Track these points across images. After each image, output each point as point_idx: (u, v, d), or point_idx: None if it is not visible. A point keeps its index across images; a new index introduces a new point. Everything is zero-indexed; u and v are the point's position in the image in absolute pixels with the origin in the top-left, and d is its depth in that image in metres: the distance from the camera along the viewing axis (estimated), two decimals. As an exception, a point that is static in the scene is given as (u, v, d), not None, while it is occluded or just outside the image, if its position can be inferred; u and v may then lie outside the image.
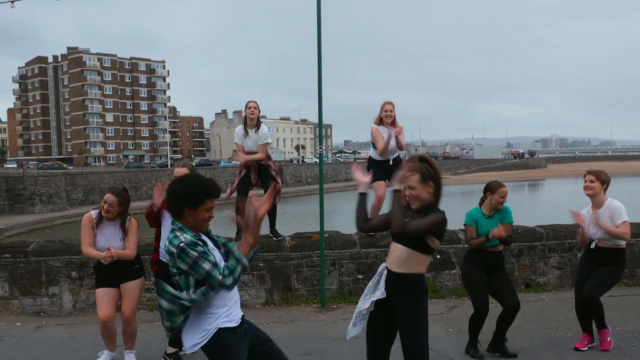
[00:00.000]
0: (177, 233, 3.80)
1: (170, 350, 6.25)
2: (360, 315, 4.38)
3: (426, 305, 4.32)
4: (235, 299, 3.98)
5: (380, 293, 4.26)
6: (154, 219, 6.19)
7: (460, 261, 8.06)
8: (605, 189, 6.28)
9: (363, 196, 4.48)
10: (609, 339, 6.28)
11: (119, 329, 6.28)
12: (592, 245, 6.29)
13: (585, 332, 6.39)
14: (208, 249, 3.79)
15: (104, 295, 5.99)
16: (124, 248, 5.98)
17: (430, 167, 4.26)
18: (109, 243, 5.92)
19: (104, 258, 5.78)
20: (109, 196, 5.88)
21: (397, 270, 4.25)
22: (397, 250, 4.29)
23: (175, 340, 6.19)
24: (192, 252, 3.69)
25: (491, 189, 6.19)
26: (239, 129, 8.43)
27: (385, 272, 4.33)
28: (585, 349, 6.29)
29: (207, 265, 3.69)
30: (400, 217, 4.12)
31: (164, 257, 5.72)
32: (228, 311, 3.88)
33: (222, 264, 3.79)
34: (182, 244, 3.71)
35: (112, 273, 6.00)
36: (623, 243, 6.26)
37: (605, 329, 6.31)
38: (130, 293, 6.06)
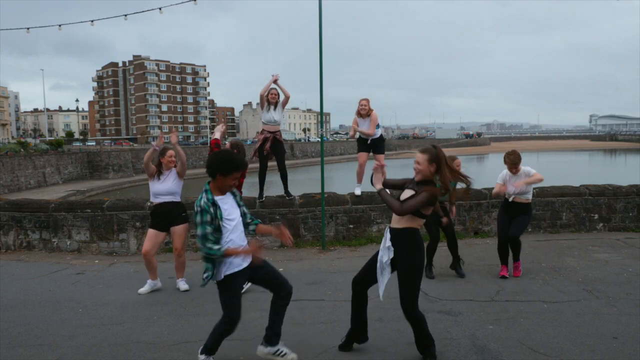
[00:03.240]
0: (202, 195, 3.84)
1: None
2: (381, 268, 4.13)
3: (422, 261, 4.07)
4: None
5: (389, 253, 4.06)
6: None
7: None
8: (519, 164, 6.34)
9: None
10: (520, 268, 6.51)
11: (170, 264, 6.28)
12: (510, 199, 6.42)
13: (504, 264, 6.52)
14: (216, 211, 3.78)
15: (152, 235, 6.05)
16: (177, 189, 6.11)
17: (438, 153, 4.00)
18: (168, 184, 6.03)
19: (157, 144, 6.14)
20: (171, 152, 6.12)
21: (396, 225, 4.06)
22: (396, 216, 4.08)
23: None
24: (198, 217, 3.76)
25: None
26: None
27: (388, 230, 4.14)
28: (507, 276, 6.41)
29: (199, 231, 3.75)
30: (396, 203, 3.97)
31: None
32: (235, 260, 3.87)
33: (210, 233, 3.74)
34: (197, 208, 3.78)
35: (164, 218, 6.04)
36: (530, 198, 6.46)
37: (519, 261, 6.52)
38: (179, 234, 6.10)
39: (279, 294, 4.03)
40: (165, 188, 6.03)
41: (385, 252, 4.09)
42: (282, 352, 4.02)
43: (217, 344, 3.96)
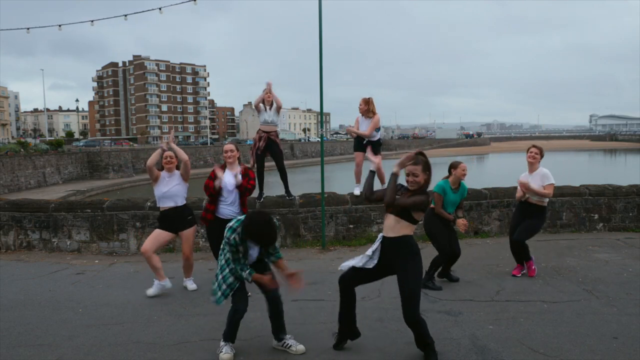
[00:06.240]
0: (237, 231, 4.07)
1: None
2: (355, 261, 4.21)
3: (421, 263, 4.09)
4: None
5: (372, 263, 4.12)
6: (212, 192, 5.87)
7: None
8: (540, 160, 6.34)
9: (373, 173, 4.34)
10: (533, 267, 6.42)
11: (170, 264, 6.27)
12: (523, 199, 6.34)
13: (519, 264, 6.50)
14: (243, 250, 4.14)
15: (156, 235, 6.00)
16: (179, 192, 6.02)
17: (427, 160, 4.06)
18: (169, 187, 5.95)
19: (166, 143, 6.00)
20: (168, 152, 5.99)
21: (390, 235, 4.07)
22: (388, 220, 4.09)
23: None
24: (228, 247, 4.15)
25: (454, 166, 6.19)
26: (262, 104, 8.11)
27: (380, 239, 4.15)
28: (519, 275, 6.42)
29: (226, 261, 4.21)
30: (393, 194, 3.94)
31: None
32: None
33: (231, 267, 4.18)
34: (231, 239, 4.08)
35: (172, 221, 5.99)
36: (545, 202, 6.33)
37: (530, 260, 6.42)
38: (187, 237, 6.08)
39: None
40: (166, 191, 5.93)
41: (369, 260, 4.13)
42: (288, 344, 4.35)
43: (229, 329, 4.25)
